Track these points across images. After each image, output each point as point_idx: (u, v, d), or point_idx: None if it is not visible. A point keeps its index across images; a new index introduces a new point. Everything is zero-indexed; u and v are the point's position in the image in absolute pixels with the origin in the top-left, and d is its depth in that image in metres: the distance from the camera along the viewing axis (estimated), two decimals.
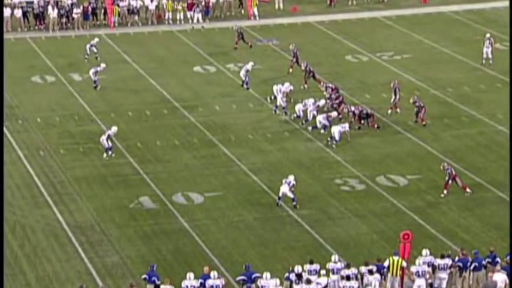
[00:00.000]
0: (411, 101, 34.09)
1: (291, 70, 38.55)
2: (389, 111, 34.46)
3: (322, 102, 33.78)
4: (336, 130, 31.85)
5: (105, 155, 30.92)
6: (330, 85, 35.21)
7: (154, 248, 25.62)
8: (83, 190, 28.98)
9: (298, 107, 33.91)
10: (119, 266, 24.74)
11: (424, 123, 33.51)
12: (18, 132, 33.39)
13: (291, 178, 27.78)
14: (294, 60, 38.68)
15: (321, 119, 32.79)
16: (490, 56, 39.66)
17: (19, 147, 32.18)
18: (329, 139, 31.91)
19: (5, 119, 34.38)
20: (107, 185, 29.32)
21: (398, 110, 34.47)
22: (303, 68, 37.50)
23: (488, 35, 40.22)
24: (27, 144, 32.46)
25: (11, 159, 31.11)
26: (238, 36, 42.39)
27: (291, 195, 27.58)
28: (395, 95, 34.45)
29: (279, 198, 27.71)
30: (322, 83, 36.12)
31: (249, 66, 37.16)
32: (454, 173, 28.37)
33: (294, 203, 27.55)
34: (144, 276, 22.62)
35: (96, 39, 41.45)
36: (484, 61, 39.72)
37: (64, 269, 24.56)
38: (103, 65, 37.94)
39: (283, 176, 28.86)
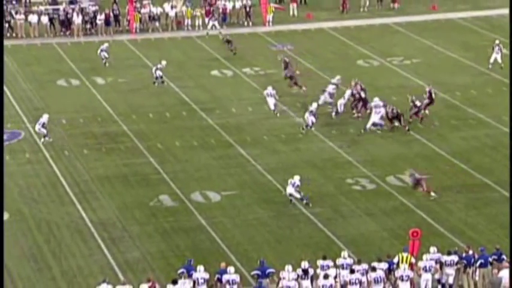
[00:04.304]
0: (410, 100, 33.84)
1: (298, 72, 38.31)
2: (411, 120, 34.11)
3: (314, 105, 33.29)
4: (309, 117, 32.42)
5: (42, 139, 32.03)
6: (360, 84, 34.76)
7: (173, 244, 25.66)
8: (106, 189, 29.07)
9: (323, 97, 34.15)
10: (140, 261, 24.79)
11: (410, 120, 33.11)
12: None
13: (296, 179, 27.65)
14: (288, 65, 38.11)
15: (308, 115, 32.74)
16: (499, 61, 39.46)
17: (45, 147, 32.31)
18: (304, 127, 32.29)
19: (32, 121, 34.62)
20: (128, 184, 29.39)
21: (426, 111, 34.10)
22: (283, 75, 37.12)
23: (497, 41, 40.07)
24: (53, 144, 32.58)
25: (37, 159, 31.27)
26: (226, 43, 41.96)
27: (297, 195, 27.52)
28: (429, 98, 34.04)
29: (290, 196, 27.66)
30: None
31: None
32: (420, 177, 28.11)
33: (305, 201, 27.48)
34: (181, 270, 22.37)
35: (106, 44, 41.46)
36: (490, 66, 39.55)
37: (87, 264, 24.64)
38: (164, 62, 38.37)
39: (297, 176, 28.85)
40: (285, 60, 38.24)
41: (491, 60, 39.62)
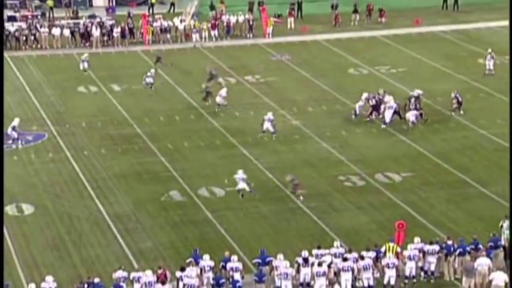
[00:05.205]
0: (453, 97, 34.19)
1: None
2: (461, 112, 34.43)
3: (270, 115, 32.87)
4: (267, 125, 32.21)
5: (14, 146, 31.10)
6: (377, 96, 34.50)
7: (182, 235, 25.65)
8: (121, 185, 29.06)
9: (358, 105, 34.12)
10: (152, 250, 24.78)
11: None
12: (65, 135, 33.53)
13: (240, 172, 27.68)
14: (210, 78, 37.54)
15: (268, 125, 32.53)
16: (491, 67, 39.45)
17: (66, 147, 32.31)
18: (262, 133, 32.22)
19: (55, 124, 34.64)
20: (141, 181, 29.38)
21: (462, 111, 34.39)
22: (203, 86, 36.36)
23: (489, 50, 40.09)
24: (74, 145, 32.58)
25: (59, 158, 31.26)
26: (157, 60, 40.90)
27: (247, 188, 27.48)
28: (458, 102, 34.37)
29: (239, 191, 27.58)
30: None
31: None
32: (298, 182, 27.76)
33: (253, 193, 27.49)
34: (189, 259, 22.41)
35: (86, 55, 41.13)
36: (486, 71, 39.53)
37: (105, 253, 24.64)
38: (152, 70, 38.52)
39: (294, 173, 28.85)
40: (211, 72, 37.87)
41: (487, 67, 39.62)
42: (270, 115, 32.82)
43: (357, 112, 34.34)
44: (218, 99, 35.43)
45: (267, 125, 32.54)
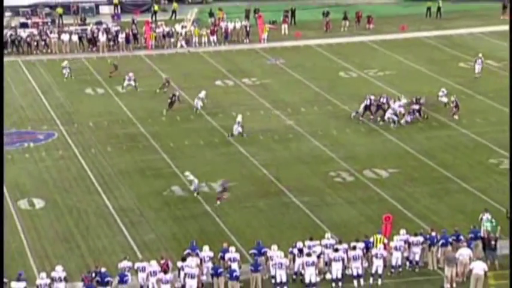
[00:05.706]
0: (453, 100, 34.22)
1: (161, 90, 37.41)
2: (456, 116, 34.22)
3: (239, 118, 32.87)
4: (235, 126, 31.94)
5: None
6: (382, 99, 34.64)
7: (183, 227, 25.72)
8: (126, 180, 29.11)
9: (362, 105, 34.23)
10: (155, 242, 24.84)
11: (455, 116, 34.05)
12: (74, 134, 33.57)
13: (188, 173, 27.68)
14: (167, 84, 37.47)
15: (235, 127, 32.45)
16: (480, 71, 39.49)
17: (75, 146, 32.35)
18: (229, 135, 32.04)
19: (64, 124, 34.68)
20: (145, 177, 29.44)
21: (456, 116, 34.22)
22: (170, 94, 35.95)
23: (480, 55, 40.23)
24: (82, 143, 32.63)
25: (68, 156, 31.30)
26: (114, 67, 40.46)
27: (195, 186, 27.41)
28: (456, 106, 34.36)
29: (195, 190, 27.49)
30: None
31: (202, 94, 35.53)
32: (226, 185, 27.53)
33: (197, 193, 27.33)
34: (187, 251, 22.46)
35: (66, 62, 40.98)
36: (477, 75, 39.64)
37: (111, 244, 24.71)
38: (131, 74, 38.39)
39: (288, 170, 28.91)
40: (168, 80, 37.70)
41: (476, 70, 39.74)
42: (239, 118, 32.86)
43: (359, 111, 34.42)
44: (196, 101, 35.24)
45: (235, 127, 32.49)
